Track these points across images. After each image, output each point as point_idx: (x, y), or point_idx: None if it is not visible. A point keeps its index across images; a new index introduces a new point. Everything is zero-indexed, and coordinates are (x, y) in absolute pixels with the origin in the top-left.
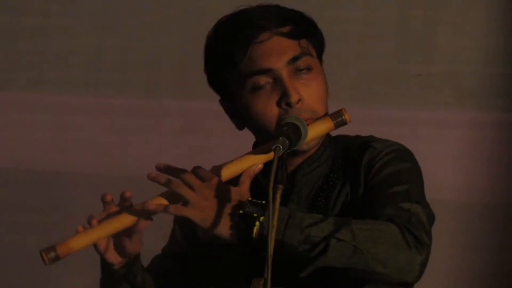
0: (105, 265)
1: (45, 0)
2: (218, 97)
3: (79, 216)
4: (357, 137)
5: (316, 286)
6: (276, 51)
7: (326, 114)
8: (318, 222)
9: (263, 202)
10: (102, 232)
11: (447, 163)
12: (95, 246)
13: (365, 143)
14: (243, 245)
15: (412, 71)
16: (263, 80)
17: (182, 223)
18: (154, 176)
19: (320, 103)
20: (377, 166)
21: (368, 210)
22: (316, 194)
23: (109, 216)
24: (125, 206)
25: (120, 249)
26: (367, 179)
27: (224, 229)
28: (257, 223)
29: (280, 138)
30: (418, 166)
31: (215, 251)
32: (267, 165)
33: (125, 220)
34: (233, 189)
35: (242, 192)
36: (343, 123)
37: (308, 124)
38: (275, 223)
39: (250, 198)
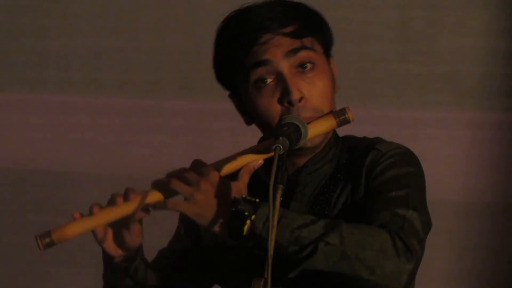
0: (107, 258)
1: (45, 0)
2: (218, 97)
3: None
4: (364, 138)
5: (311, 284)
6: (276, 46)
7: (329, 112)
8: (309, 224)
9: (257, 200)
10: (98, 220)
11: (447, 163)
12: (93, 234)
13: (370, 144)
14: (234, 242)
15: (412, 71)
16: (265, 74)
17: (186, 220)
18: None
19: (323, 101)
20: (379, 169)
21: (365, 212)
22: (320, 193)
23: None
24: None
25: (119, 240)
26: (368, 181)
27: (216, 224)
28: (248, 221)
29: (280, 138)
30: (421, 171)
31: (218, 249)
32: (269, 163)
33: (123, 209)
34: (231, 184)
35: (240, 187)
36: (346, 121)
37: (310, 122)
38: (275, 223)
39: (245, 196)
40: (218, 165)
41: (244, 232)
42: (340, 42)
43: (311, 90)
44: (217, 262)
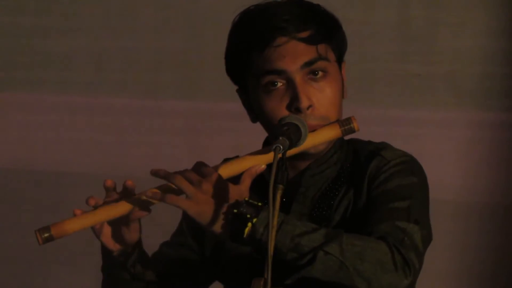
0: (105, 253)
1: (45, 0)
2: (217, 97)
3: None
4: (369, 142)
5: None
6: (291, 54)
7: (335, 121)
8: (309, 232)
9: (259, 204)
10: (98, 217)
11: (447, 163)
12: (92, 228)
13: (375, 149)
14: (235, 243)
15: (412, 71)
16: (276, 80)
17: (188, 217)
18: (155, 171)
19: (332, 110)
20: (382, 177)
21: (366, 221)
22: (322, 196)
23: (107, 202)
24: (125, 194)
25: (117, 236)
26: (370, 188)
27: (216, 225)
28: (249, 224)
29: (280, 138)
30: (426, 182)
31: (218, 247)
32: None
33: (122, 208)
34: (233, 187)
35: (241, 190)
36: (351, 131)
37: (316, 129)
38: (275, 223)
39: (247, 198)
40: (221, 167)
41: (245, 235)
42: None
43: (320, 99)
44: (217, 260)
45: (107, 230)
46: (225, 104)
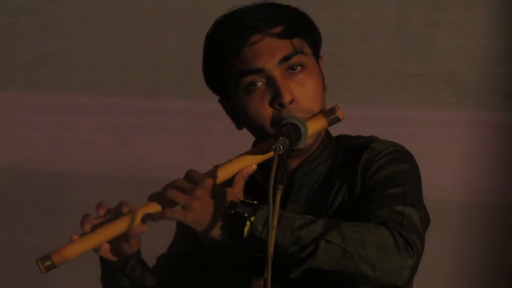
0: (104, 263)
1: (45, 0)
2: (217, 97)
3: (79, 216)
4: (358, 137)
5: (311, 284)
6: (267, 51)
7: (319, 112)
8: (308, 224)
9: (255, 202)
10: (97, 239)
11: (447, 163)
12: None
13: (365, 143)
14: (235, 245)
15: (412, 71)
16: (256, 80)
17: (183, 225)
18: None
19: (314, 102)
20: (374, 167)
21: (363, 211)
22: (316, 194)
23: (104, 222)
24: (120, 213)
25: (117, 251)
26: (364, 180)
27: (215, 229)
28: (248, 223)
29: (280, 138)
30: (417, 168)
31: (216, 253)
32: (267, 164)
33: (120, 226)
34: (227, 190)
35: (235, 192)
36: (337, 120)
37: None
38: (275, 223)
39: (242, 199)
40: (214, 172)
41: (245, 234)
42: (340, 42)
43: (301, 92)
44: (216, 265)
45: (106, 246)
46: None
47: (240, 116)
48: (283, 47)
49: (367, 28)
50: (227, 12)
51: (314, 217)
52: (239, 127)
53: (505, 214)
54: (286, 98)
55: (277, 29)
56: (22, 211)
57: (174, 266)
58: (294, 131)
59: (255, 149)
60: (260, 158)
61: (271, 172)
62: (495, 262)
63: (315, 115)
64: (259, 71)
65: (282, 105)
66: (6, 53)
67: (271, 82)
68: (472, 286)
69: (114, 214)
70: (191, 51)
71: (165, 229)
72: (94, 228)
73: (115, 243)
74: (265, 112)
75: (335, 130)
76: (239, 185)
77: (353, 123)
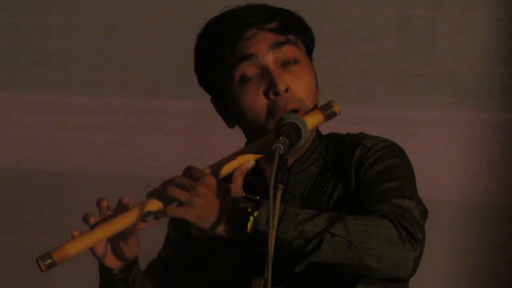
0: (104, 270)
1: (45, 0)
2: None
3: (79, 216)
4: (348, 135)
5: (311, 283)
6: (260, 40)
7: (315, 107)
8: (312, 217)
9: (257, 197)
10: (97, 236)
11: (447, 163)
12: (92, 251)
13: (355, 140)
14: (238, 241)
15: (412, 71)
16: (249, 69)
17: (176, 225)
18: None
19: (308, 95)
20: (368, 163)
21: (362, 207)
22: (310, 193)
23: (104, 219)
24: (120, 210)
25: (117, 252)
26: (358, 176)
27: (218, 225)
28: (251, 218)
29: (281, 138)
30: (409, 162)
31: (211, 253)
32: (258, 165)
33: (120, 223)
34: (227, 186)
35: (236, 188)
36: (333, 115)
37: (299, 112)
38: (275, 222)
39: (244, 194)
40: (214, 169)
41: (248, 229)
42: (340, 42)
43: (296, 83)
44: (211, 265)
45: (106, 249)
46: None
47: (234, 111)
48: (276, 37)
49: (367, 28)
50: (221, 12)
51: (316, 211)
52: (231, 125)
53: (504, 214)
54: (281, 86)
55: (272, 25)
56: (22, 211)
57: (166, 271)
58: (294, 131)
59: (252, 145)
60: (258, 153)
61: (270, 172)
62: (495, 262)
63: (310, 110)
64: (251, 57)
65: (277, 93)
66: (6, 53)
67: (264, 73)
68: (471, 286)
69: (115, 211)
70: (191, 51)
71: (165, 229)
72: (94, 225)
73: (115, 244)
74: (260, 103)
75: (335, 130)
76: (239, 181)
77: (353, 123)
